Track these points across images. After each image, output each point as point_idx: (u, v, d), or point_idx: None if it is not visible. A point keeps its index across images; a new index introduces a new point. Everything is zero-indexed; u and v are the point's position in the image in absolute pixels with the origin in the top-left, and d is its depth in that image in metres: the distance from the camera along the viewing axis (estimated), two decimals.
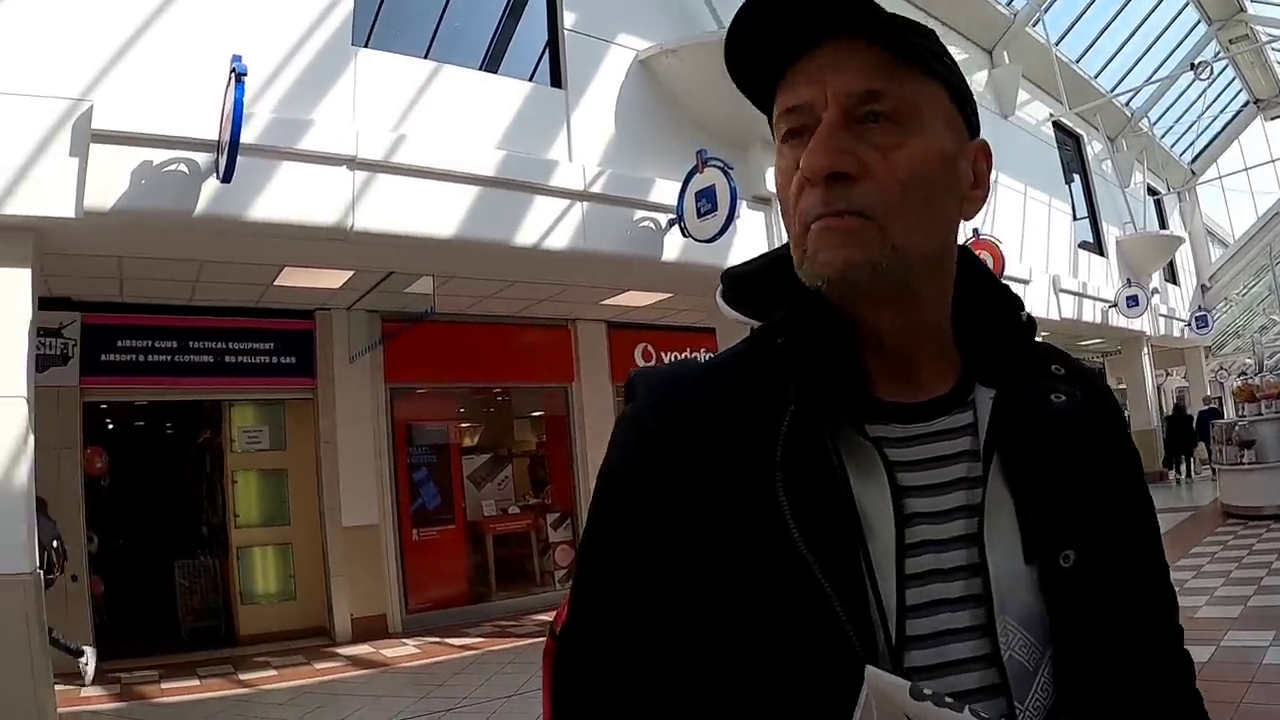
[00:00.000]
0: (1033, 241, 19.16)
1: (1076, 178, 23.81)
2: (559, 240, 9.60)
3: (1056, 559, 1.08)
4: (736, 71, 1.14)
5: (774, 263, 1.22)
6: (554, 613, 1.34)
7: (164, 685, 9.84)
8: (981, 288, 1.23)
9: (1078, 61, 23.17)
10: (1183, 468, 25.90)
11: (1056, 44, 21.61)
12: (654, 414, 1.14)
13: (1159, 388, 31.04)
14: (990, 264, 13.52)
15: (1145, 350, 25.28)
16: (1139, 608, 1.21)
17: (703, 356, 1.38)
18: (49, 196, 7.30)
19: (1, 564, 7.03)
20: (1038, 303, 18.12)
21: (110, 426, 13.43)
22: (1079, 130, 24.06)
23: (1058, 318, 19.23)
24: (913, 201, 1.07)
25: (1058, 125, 22.62)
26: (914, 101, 1.09)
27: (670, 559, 1.07)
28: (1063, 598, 1.08)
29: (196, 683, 10.00)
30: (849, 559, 1.02)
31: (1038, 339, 1.25)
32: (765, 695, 1.02)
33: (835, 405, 1.08)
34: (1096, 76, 24.17)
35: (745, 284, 1.25)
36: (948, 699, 0.85)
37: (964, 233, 13.97)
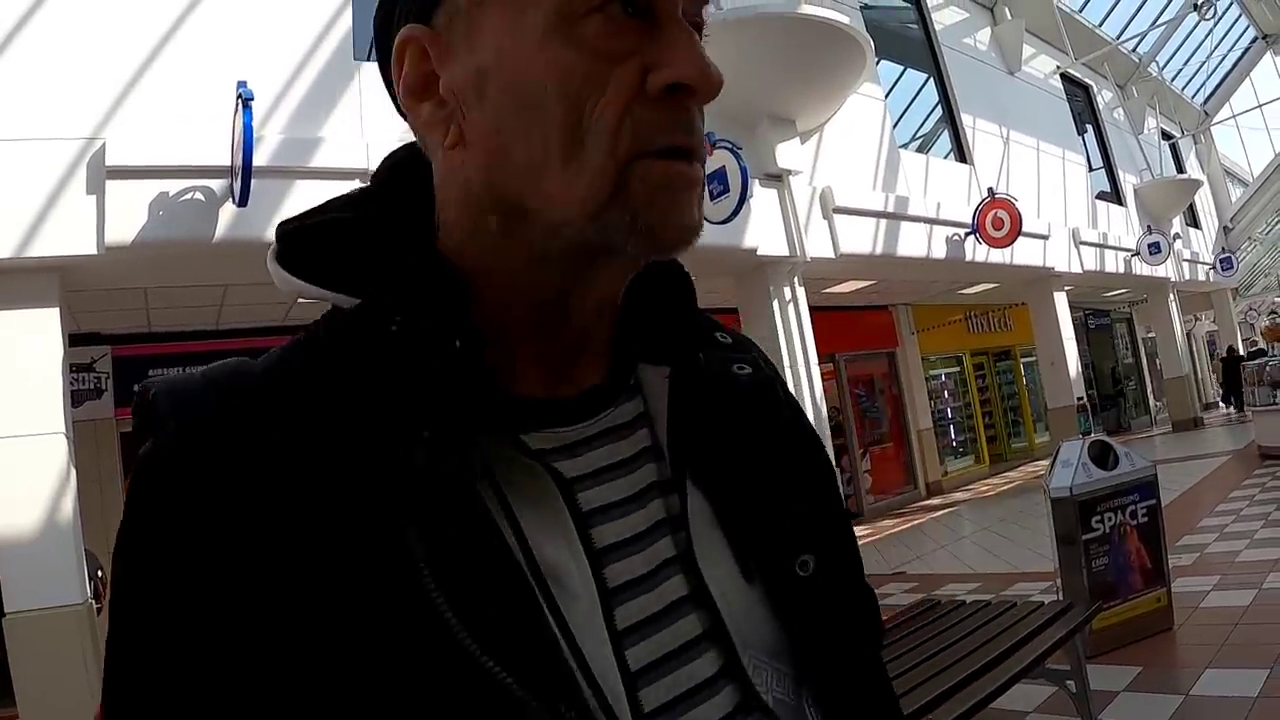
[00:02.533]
0: (1049, 196, 19.08)
1: (1089, 128, 23.68)
2: None
3: (791, 567, 0.85)
4: None
5: (355, 202, 0.86)
6: None
7: None
8: None
9: (1080, 11, 23.05)
10: (1233, 404, 26.25)
11: None
12: (196, 456, 0.69)
13: (1188, 334, 30.89)
14: (1008, 222, 13.58)
15: (1172, 297, 25.07)
16: (859, 610, 0.96)
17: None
18: (70, 235, 7.44)
19: (55, 596, 7.23)
20: (1058, 257, 18.04)
21: None
22: (1087, 80, 23.92)
23: (1080, 270, 19.10)
24: None
25: (1065, 77, 22.48)
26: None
27: (250, 688, 0.65)
28: (804, 611, 0.85)
29: None
30: (546, 644, 0.69)
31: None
32: None
33: (479, 417, 0.73)
34: (1100, 25, 24.05)
35: (311, 240, 0.82)
36: None
37: (978, 193, 13.98)
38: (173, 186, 7.72)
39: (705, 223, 0.80)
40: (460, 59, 0.76)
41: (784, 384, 1.00)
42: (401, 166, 0.87)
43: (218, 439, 0.70)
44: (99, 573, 8.33)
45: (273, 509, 0.67)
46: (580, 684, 0.69)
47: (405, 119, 0.84)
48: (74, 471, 7.57)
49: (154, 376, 0.79)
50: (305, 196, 8.12)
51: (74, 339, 8.52)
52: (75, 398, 8.63)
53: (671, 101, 0.73)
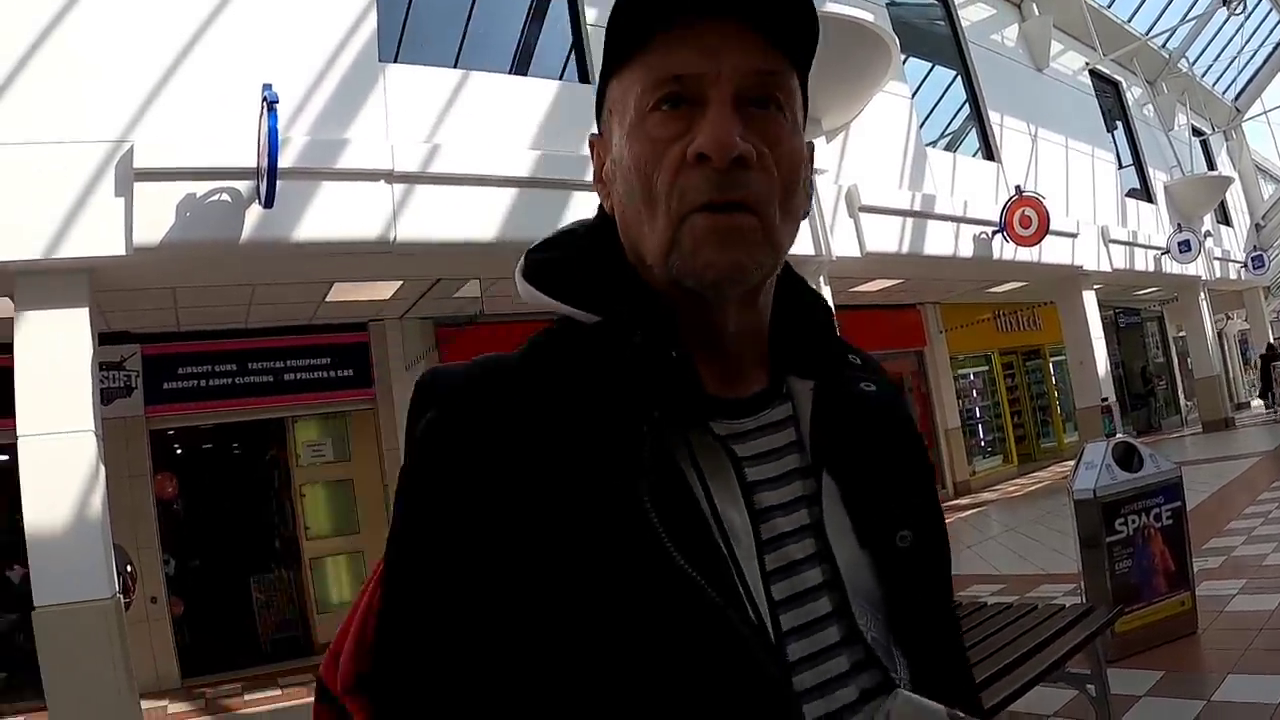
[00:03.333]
0: (1078, 194, 18.93)
1: (1118, 125, 23.51)
2: None
3: (893, 540, 1.11)
4: (616, 24, 1.04)
5: (586, 243, 1.15)
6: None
7: (247, 697, 10.07)
8: (783, 280, 1.18)
9: (1109, 6, 22.85)
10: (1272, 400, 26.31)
11: None
12: (473, 426, 0.99)
13: (1220, 332, 30.63)
14: (1036, 220, 13.51)
15: (1202, 295, 24.86)
16: (945, 583, 1.23)
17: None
18: (99, 236, 7.56)
19: (85, 590, 7.32)
20: (1087, 255, 17.91)
21: (178, 451, 13.65)
22: (1117, 77, 23.75)
23: (1109, 269, 18.95)
24: (786, 200, 1.04)
25: (1094, 74, 22.32)
26: (791, 92, 1.06)
27: (519, 599, 0.93)
28: (899, 576, 1.10)
29: (278, 692, 10.22)
30: (724, 567, 0.97)
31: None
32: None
33: (688, 406, 1.02)
34: (1129, 20, 23.84)
35: (554, 269, 1.14)
36: None
37: (1005, 191, 13.90)
38: (200, 188, 7.82)
39: None
40: (608, 154, 1.13)
41: (904, 400, 1.29)
42: (605, 219, 1.16)
43: (486, 408, 1.00)
44: (128, 567, 8.42)
45: (534, 461, 0.96)
46: (744, 600, 0.98)
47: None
48: (103, 468, 7.65)
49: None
50: (331, 196, 8.23)
51: (104, 338, 8.63)
52: (105, 395, 8.75)
53: (704, 167, 0.99)
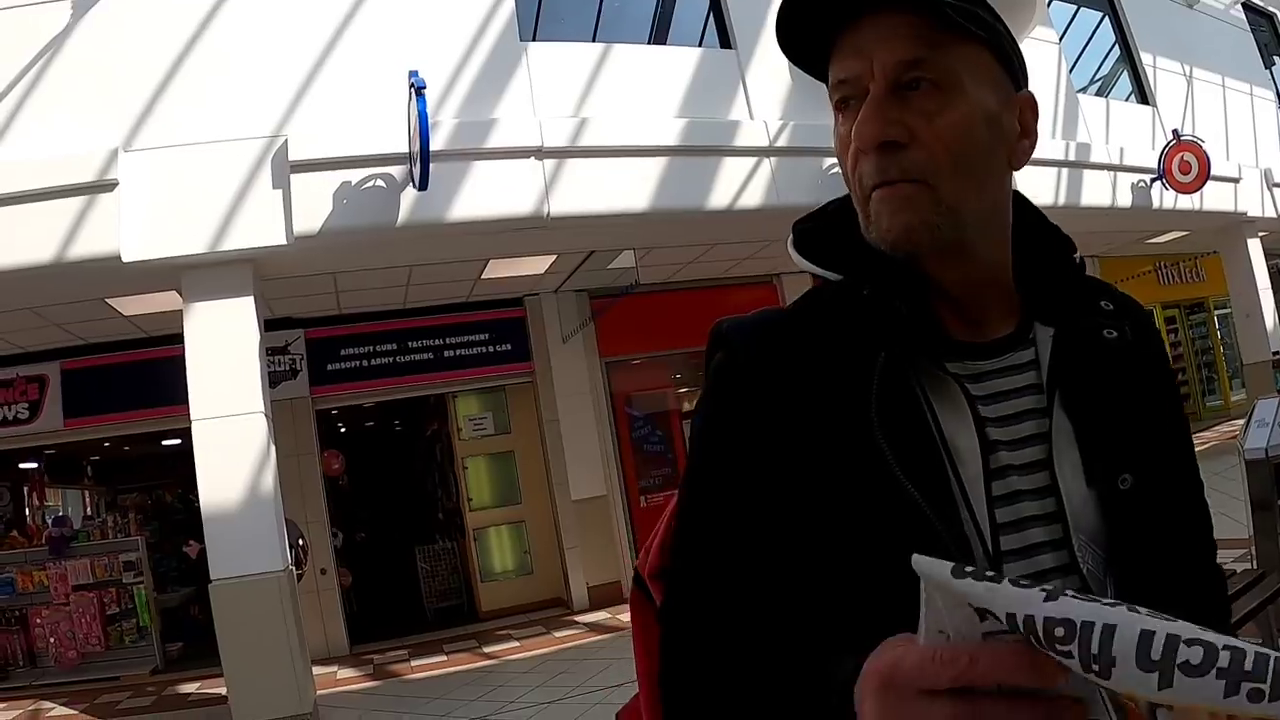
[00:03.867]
0: (1238, 136, 18.01)
1: (1276, 60, 22.50)
2: (752, 198, 9.68)
3: (1115, 482, 1.19)
4: (786, 45, 1.23)
5: (836, 217, 1.30)
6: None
7: (413, 663, 10.37)
8: (1036, 231, 1.32)
9: None
10: None
11: None
12: (752, 363, 1.20)
13: None
14: (1196, 166, 12.98)
15: None
16: (1184, 525, 1.30)
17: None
18: (261, 228, 7.90)
19: (260, 563, 7.70)
20: (1251, 201, 17.01)
21: (343, 429, 14.08)
22: (1270, 9, 22.65)
23: (1276, 214, 17.92)
24: (960, 163, 1.14)
25: (1248, 6, 21.20)
26: (953, 66, 1.14)
27: (778, 501, 1.13)
28: (1121, 517, 1.18)
29: (443, 658, 10.51)
30: (944, 488, 1.11)
31: (1090, 275, 1.35)
32: (875, 620, 0.97)
33: (918, 348, 1.16)
34: None
35: (812, 237, 1.31)
36: (988, 573, 0.80)
37: (1162, 136, 13.37)
38: (354, 176, 8.05)
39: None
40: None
41: (1156, 343, 1.38)
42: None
43: (760, 351, 1.20)
44: (300, 541, 8.75)
45: (797, 391, 1.15)
46: (963, 520, 1.11)
47: None
48: (273, 448, 7.95)
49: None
50: (483, 176, 8.37)
51: (269, 324, 8.93)
52: (272, 379, 9.06)
53: (867, 155, 1.15)
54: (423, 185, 7.84)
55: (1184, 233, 17.79)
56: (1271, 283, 17.91)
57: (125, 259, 7.59)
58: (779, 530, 1.13)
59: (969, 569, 0.86)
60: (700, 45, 10.70)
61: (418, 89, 7.43)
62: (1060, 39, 15.18)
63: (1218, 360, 23.11)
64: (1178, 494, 1.29)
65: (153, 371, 10.44)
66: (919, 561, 0.90)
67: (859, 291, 1.20)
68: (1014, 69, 1.23)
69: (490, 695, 8.62)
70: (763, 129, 10.00)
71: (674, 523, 1.29)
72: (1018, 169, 1.24)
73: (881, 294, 1.18)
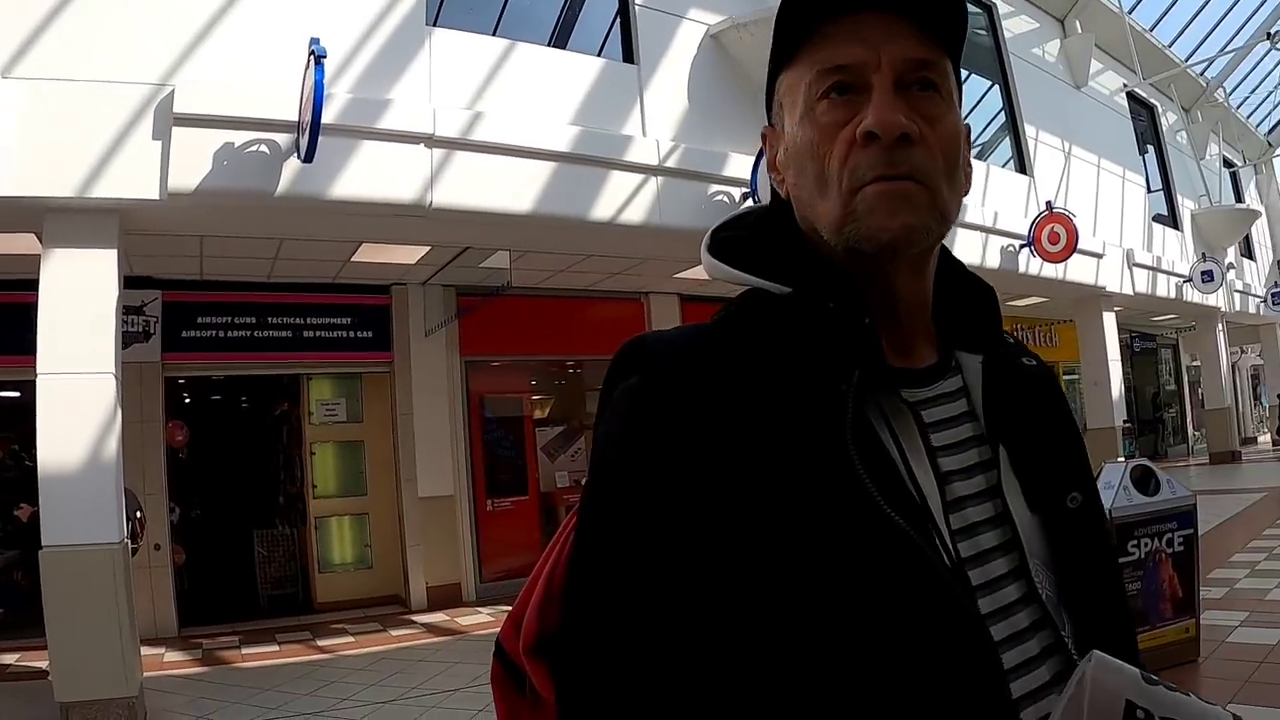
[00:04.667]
0: (1106, 214, 18.82)
1: (1150, 149, 23.39)
2: (634, 214, 9.68)
3: (1064, 501, 1.18)
4: (784, 23, 1.14)
5: (764, 226, 1.24)
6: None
7: (244, 650, 10.07)
8: (944, 259, 1.26)
9: (1151, 30, 22.75)
10: None
11: (1129, 12, 21.15)
12: (684, 390, 1.05)
13: (1233, 365, 30.57)
14: (1064, 238, 13.47)
15: (1220, 327, 24.86)
16: (1108, 537, 1.33)
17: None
18: (134, 179, 7.53)
19: (95, 533, 7.30)
20: (1111, 277, 17.84)
21: (189, 400, 13.67)
22: (1153, 101, 23.62)
23: (1131, 292, 18.91)
24: (950, 172, 1.12)
25: (1131, 96, 22.20)
26: (946, 75, 1.13)
27: (726, 554, 0.98)
28: (1069, 537, 1.17)
29: (275, 648, 10.22)
30: (923, 518, 1.05)
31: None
32: (872, 666, 0.96)
33: (880, 371, 1.10)
34: (1171, 45, 23.70)
35: (740, 246, 1.22)
36: (1172, 685, 0.85)
37: (1035, 206, 13.85)
38: (239, 138, 7.79)
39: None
40: (780, 143, 1.21)
41: (1056, 377, 1.38)
42: (779, 204, 1.24)
43: (691, 373, 1.06)
44: (138, 513, 8.41)
45: (745, 420, 1.02)
46: (940, 548, 1.04)
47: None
48: (120, 412, 7.62)
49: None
50: (370, 156, 8.21)
51: (127, 281, 8.57)
52: (124, 339, 8.69)
53: (872, 145, 1.07)
54: (308, 157, 7.62)
55: (1044, 299, 18.50)
56: (1121, 355, 18.69)
57: None
58: (729, 586, 0.97)
59: (1155, 677, 0.95)
60: (601, 55, 10.68)
61: (317, 57, 7.21)
62: None
63: None
64: (1099, 512, 1.28)
65: None
66: (1100, 660, 0.97)
67: (820, 305, 1.11)
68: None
69: (322, 691, 8.38)
70: (654, 147, 10.03)
71: (571, 584, 1.08)
72: (964, 195, 1.20)
73: (849, 308, 1.10)
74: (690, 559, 0.99)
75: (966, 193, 1.20)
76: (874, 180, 1.08)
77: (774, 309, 1.14)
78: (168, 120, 7.62)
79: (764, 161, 1.30)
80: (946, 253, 1.25)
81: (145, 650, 8.61)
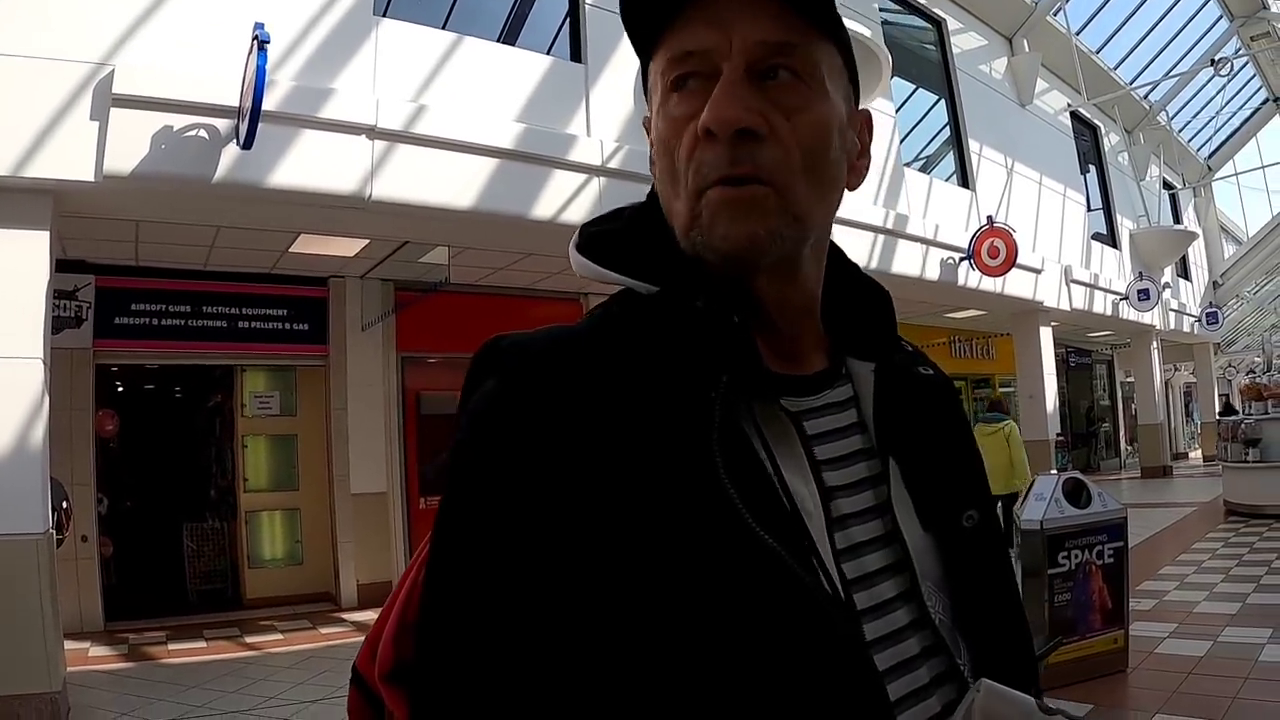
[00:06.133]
0: (1046, 231, 19.15)
1: (1092, 169, 23.76)
2: (576, 214, 9.63)
3: (959, 520, 1.11)
4: (628, 7, 1.03)
5: (637, 221, 1.12)
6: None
7: (171, 646, 9.92)
8: (837, 263, 1.17)
9: (1098, 52, 23.05)
10: None
11: (1077, 34, 21.47)
12: (542, 395, 0.95)
13: (1167, 383, 31.06)
14: (1004, 252, 13.60)
15: (1154, 344, 25.34)
16: (1006, 557, 1.22)
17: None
18: (69, 160, 7.37)
19: (19, 523, 7.14)
20: (1049, 292, 18.11)
21: (121, 389, 13.45)
22: (1096, 121, 24.01)
23: (1068, 308, 19.24)
24: (811, 168, 1.01)
25: (1075, 116, 22.54)
26: (817, 61, 1.02)
27: (585, 576, 0.88)
28: (965, 557, 1.10)
29: (203, 644, 10.08)
30: (799, 537, 0.95)
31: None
32: (744, 697, 0.88)
33: (753, 376, 0.99)
34: (1116, 68, 24.06)
35: (608, 242, 1.12)
36: (1074, 715, 0.81)
37: (977, 220, 13.98)
38: (178, 121, 7.66)
39: None
40: (652, 132, 1.09)
41: (954, 387, 1.28)
42: (654, 194, 1.13)
43: (554, 378, 0.96)
44: (64, 504, 8.25)
45: (604, 425, 0.92)
46: (819, 572, 0.95)
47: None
48: (48, 399, 7.47)
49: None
50: (311, 145, 8.13)
51: (59, 265, 8.43)
52: (55, 324, 8.53)
53: (714, 142, 0.97)
54: (247, 144, 7.51)
55: (982, 312, 18.72)
56: (1057, 369, 18.96)
57: None
58: (590, 610, 0.88)
59: (1053, 706, 0.93)
60: (550, 54, 10.64)
61: (261, 42, 7.12)
62: (896, 112, 15.67)
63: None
64: (999, 532, 1.21)
65: None
66: (990, 689, 0.95)
67: (688, 304, 1.01)
68: (856, 82, 1.12)
69: (251, 689, 8.26)
70: (598, 148, 10.03)
71: (424, 606, 0.98)
72: (853, 189, 1.12)
73: (717, 308, 1.00)
74: (547, 579, 0.89)
75: (854, 188, 1.13)
76: (716, 183, 0.98)
77: (641, 309, 1.04)
78: (106, 101, 7.47)
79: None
80: (838, 252, 1.18)
81: (69, 644, 8.48)
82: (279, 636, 10.41)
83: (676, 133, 1.01)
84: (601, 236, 1.13)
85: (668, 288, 1.03)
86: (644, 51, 1.08)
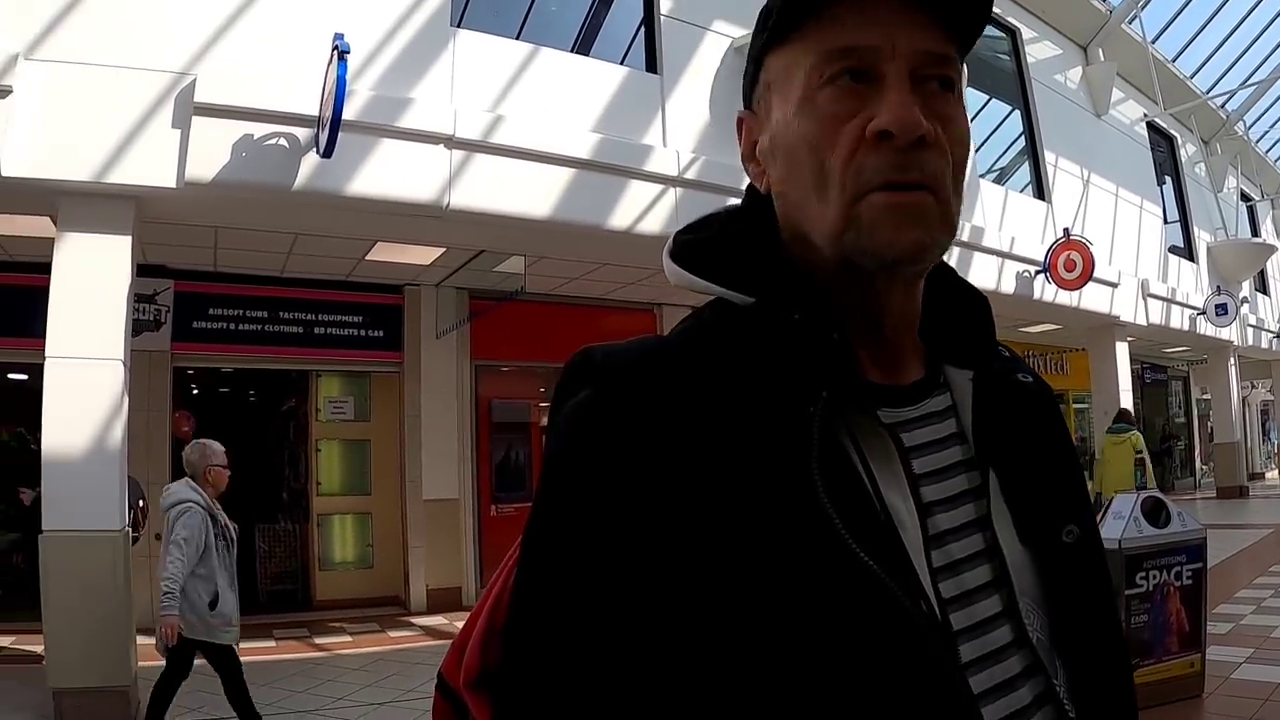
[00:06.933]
0: (1122, 244, 18.84)
1: (1168, 180, 23.37)
2: (652, 224, 9.66)
3: (1059, 535, 1.08)
4: None
5: (732, 229, 1.11)
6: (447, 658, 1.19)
7: (241, 646, 9.98)
8: (939, 276, 1.15)
9: (1174, 61, 22.73)
10: None
11: (1153, 42, 21.17)
12: (636, 407, 0.94)
13: (1244, 400, 30.50)
14: (1080, 265, 13.44)
15: (1232, 360, 24.84)
16: (1107, 576, 1.18)
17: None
18: (151, 166, 7.52)
19: (97, 519, 7.31)
20: (1125, 306, 17.87)
21: (196, 392, 13.63)
22: (1173, 132, 23.61)
23: (1145, 323, 18.96)
24: (957, 180, 1.01)
25: (1151, 126, 22.19)
26: (959, 74, 1.02)
27: (678, 588, 0.88)
28: (1065, 573, 1.07)
29: (273, 644, 10.21)
30: (899, 557, 0.93)
31: None
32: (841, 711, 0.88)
33: (852, 390, 0.98)
34: (1193, 77, 23.71)
35: (703, 250, 1.10)
36: None
37: (1053, 232, 13.82)
38: (258, 130, 7.78)
39: None
40: (764, 131, 1.08)
41: (1053, 394, 1.23)
42: (757, 199, 1.10)
43: (645, 389, 0.95)
44: (140, 502, 8.37)
45: (701, 438, 0.91)
46: (918, 593, 0.93)
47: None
48: (127, 400, 7.60)
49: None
50: (389, 154, 8.20)
51: (140, 269, 8.56)
52: (135, 327, 8.67)
53: (886, 145, 0.94)
54: (327, 153, 7.60)
55: (1058, 326, 18.48)
56: (1132, 385, 18.66)
57: (4, 172, 7.13)
58: (680, 626, 0.88)
59: None
60: (624, 64, 10.66)
61: (341, 52, 7.20)
62: (970, 121, 15.50)
63: None
64: (1101, 549, 1.18)
65: (8, 297, 9.92)
66: None
67: (785, 318, 0.99)
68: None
69: (319, 689, 8.37)
70: (674, 158, 10.02)
71: (512, 616, 0.98)
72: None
73: (816, 322, 0.98)
74: (640, 593, 0.89)
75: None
76: (883, 186, 0.96)
77: (736, 321, 1.02)
78: (188, 109, 7.61)
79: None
80: (943, 265, 1.15)
81: (142, 640, 8.58)
82: (348, 639, 10.52)
83: (831, 131, 0.97)
84: (695, 245, 1.11)
85: (764, 299, 1.01)
86: (768, 43, 1.05)
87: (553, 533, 0.95)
